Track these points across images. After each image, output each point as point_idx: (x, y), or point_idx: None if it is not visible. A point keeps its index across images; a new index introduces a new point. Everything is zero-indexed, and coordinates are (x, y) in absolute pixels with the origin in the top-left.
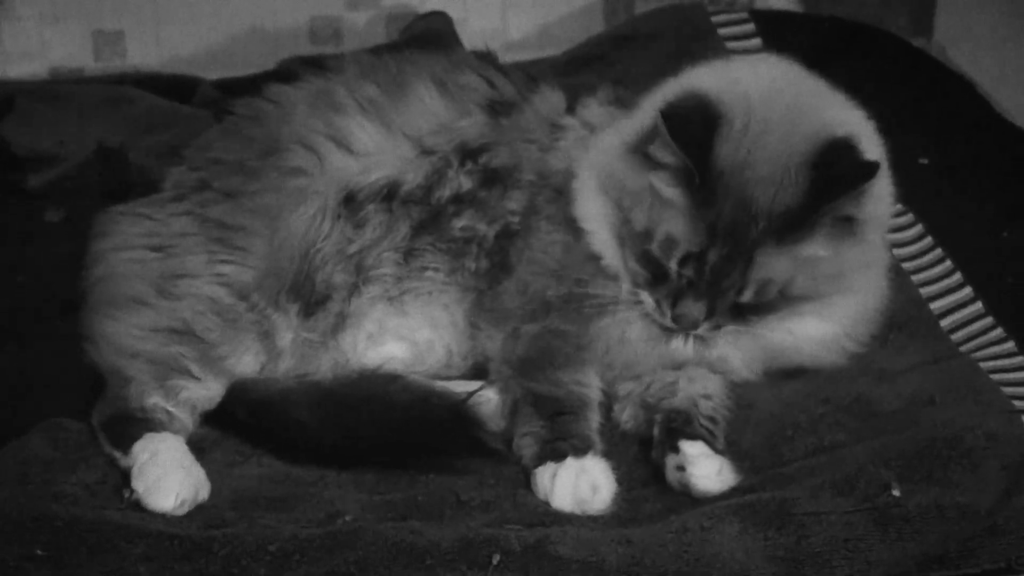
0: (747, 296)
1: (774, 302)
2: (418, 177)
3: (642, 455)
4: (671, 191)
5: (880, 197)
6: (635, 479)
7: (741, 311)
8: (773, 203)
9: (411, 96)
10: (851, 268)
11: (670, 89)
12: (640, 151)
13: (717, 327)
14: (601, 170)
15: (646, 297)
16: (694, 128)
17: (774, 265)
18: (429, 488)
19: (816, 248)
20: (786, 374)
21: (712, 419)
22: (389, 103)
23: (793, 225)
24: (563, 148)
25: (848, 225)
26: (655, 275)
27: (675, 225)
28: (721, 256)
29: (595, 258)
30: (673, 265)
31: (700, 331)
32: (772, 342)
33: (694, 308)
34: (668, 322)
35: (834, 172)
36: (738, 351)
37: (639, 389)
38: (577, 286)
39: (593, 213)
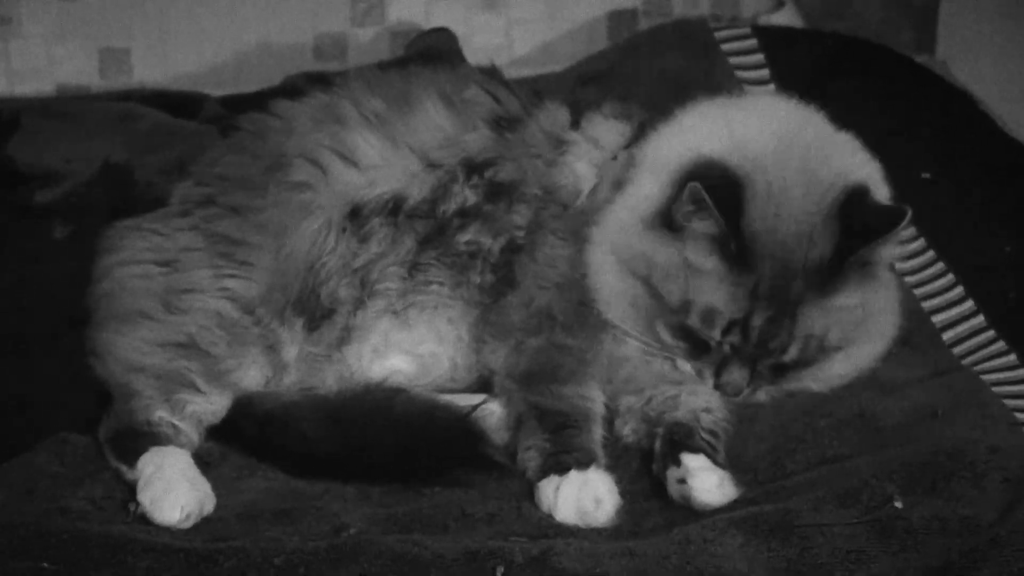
0: (791, 355)
1: (812, 358)
2: (423, 191)
3: (644, 468)
4: (707, 261)
5: (896, 239)
6: (638, 492)
7: (782, 371)
8: (807, 258)
9: (417, 110)
10: (875, 311)
11: (674, 150)
12: (663, 223)
13: (756, 390)
14: (622, 249)
15: (684, 366)
16: (723, 194)
17: (815, 320)
18: (433, 501)
19: (847, 296)
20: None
21: (713, 432)
22: (395, 117)
23: (827, 277)
24: (568, 163)
25: (869, 269)
26: (694, 346)
27: (715, 294)
28: (766, 319)
29: None
30: (716, 335)
31: (741, 398)
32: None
33: (738, 375)
34: (710, 389)
35: (861, 220)
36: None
37: (640, 403)
38: (581, 302)
39: (615, 291)
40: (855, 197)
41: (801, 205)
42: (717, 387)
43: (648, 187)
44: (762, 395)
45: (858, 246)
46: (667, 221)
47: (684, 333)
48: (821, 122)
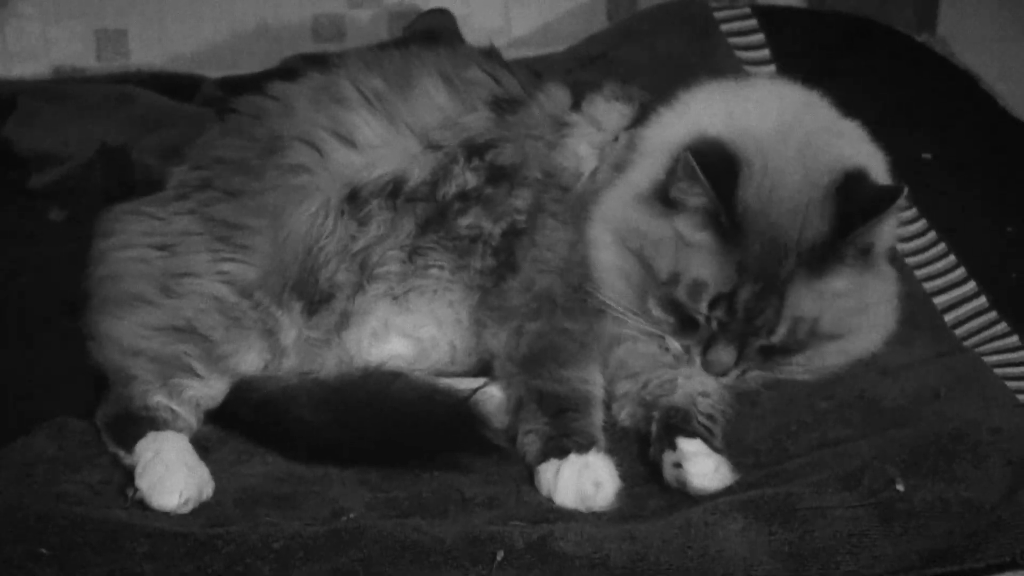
0: (779, 336)
1: (802, 342)
2: (423, 173)
3: (643, 452)
4: (698, 235)
5: (893, 223)
6: (638, 476)
7: (770, 354)
8: (800, 238)
9: (417, 91)
10: (873, 302)
11: (675, 132)
12: (658, 197)
13: (744, 372)
14: (618, 223)
15: (673, 343)
16: (717, 169)
17: (805, 301)
18: (433, 485)
19: (843, 281)
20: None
21: (711, 417)
22: (394, 98)
23: (820, 258)
24: (570, 145)
25: (867, 257)
26: (682, 322)
27: (703, 267)
28: (753, 294)
29: None
30: (703, 308)
31: (728, 379)
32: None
33: (724, 353)
34: (696, 369)
35: (857, 202)
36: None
37: (636, 387)
38: (581, 286)
39: (609, 266)
40: (853, 180)
41: (798, 186)
42: (704, 366)
43: (648, 166)
44: (752, 382)
45: (854, 226)
46: (663, 196)
47: (673, 307)
48: (826, 108)
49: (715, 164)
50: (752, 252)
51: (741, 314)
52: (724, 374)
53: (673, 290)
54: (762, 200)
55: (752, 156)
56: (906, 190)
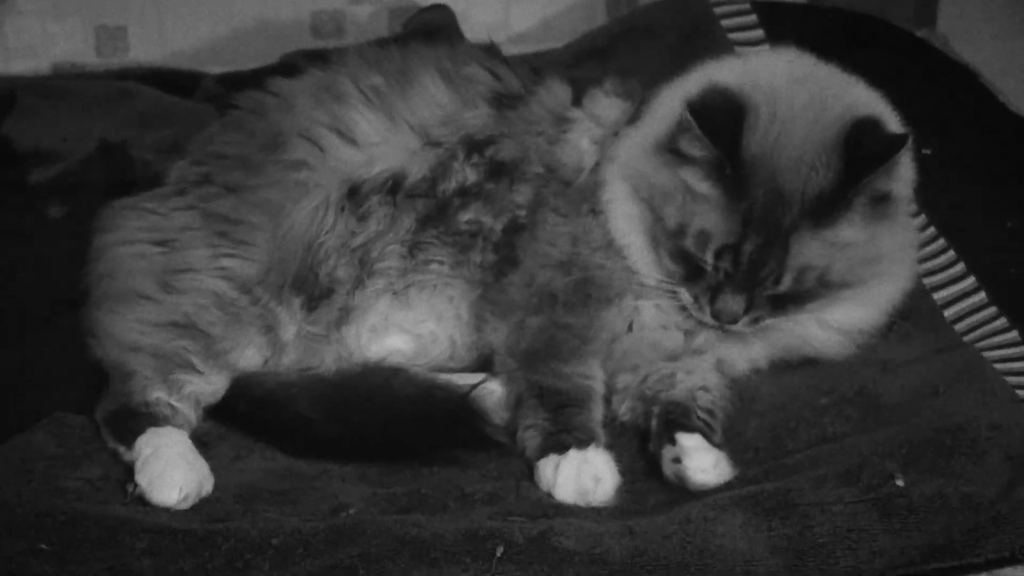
0: (785, 285)
1: (813, 291)
2: (423, 169)
3: (641, 447)
4: (703, 185)
5: (908, 174)
6: (638, 471)
7: (780, 302)
8: (806, 187)
9: (416, 87)
10: (887, 251)
11: (690, 84)
12: (668, 148)
13: (756, 320)
14: (631, 174)
15: (683, 294)
16: (721, 120)
17: (811, 251)
18: (433, 481)
19: (852, 230)
20: (790, 365)
21: (710, 412)
22: (394, 94)
23: (828, 207)
24: (571, 140)
25: (882, 206)
26: (691, 271)
27: (708, 218)
28: (757, 245)
29: (605, 248)
30: (709, 258)
31: (739, 326)
32: (778, 337)
33: (733, 302)
34: (707, 318)
35: (866, 148)
36: (744, 348)
37: (636, 381)
38: (583, 280)
39: (626, 218)
40: (864, 128)
41: (806, 134)
42: (713, 315)
43: (660, 117)
44: (748, 356)
45: (861, 175)
46: (672, 147)
47: (682, 257)
48: (836, 68)
49: (719, 115)
50: (757, 202)
51: (746, 265)
52: (733, 322)
53: (681, 240)
54: (768, 149)
55: (760, 103)
56: (911, 139)
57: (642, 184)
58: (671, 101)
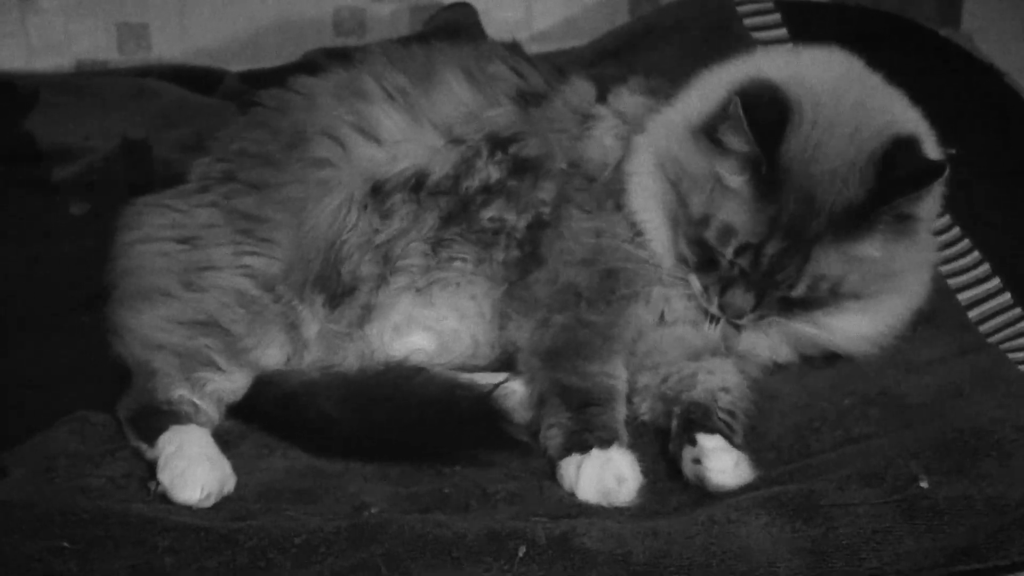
0: (799, 291)
1: (822, 298)
2: (446, 167)
3: (663, 447)
4: (735, 179)
5: (936, 196)
6: (661, 471)
7: (788, 304)
8: (836, 199)
9: (440, 85)
10: (903, 269)
11: (737, 71)
12: (705, 133)
13: (761, 318)
14: (661, 149)
15: (694, 281)
16: (768, 117)
17: (830, 262)
18: (455, 480)
19: (873, 247)
20: (811, 359)
21: (731, 413)
22: (417, 92)
23: (853, 221)
24: (596, 136)
25: (904, 225)
26: (705, 260)
27: (735, 215)
28: (779, 249)
29: (631, 241)
30: (728, 254)
31: (744, 321)
32: (803, 332)
33: (743, 299)
34: (713, 308)
35: (901, 170)
36: (766, 337)
37: (657, 381)
38: (608, 275)
39: (649, 194)
40: (902, 147)
41: (844, 145)
42: (720, 307)
43: (701, 98)
44: (760, 337)
45: (890, 197)
46: (710, 132)
47: (699, 246)
48: (880, 78)
49: (764, 112)
50: (786, 207)
51: (765, 266)
52: (739, 317)
53: (703, 230)
54: (806, 155)
55: (804, 107)
56: (948, 171)
57: (671, 164)
58: (715, 85)
